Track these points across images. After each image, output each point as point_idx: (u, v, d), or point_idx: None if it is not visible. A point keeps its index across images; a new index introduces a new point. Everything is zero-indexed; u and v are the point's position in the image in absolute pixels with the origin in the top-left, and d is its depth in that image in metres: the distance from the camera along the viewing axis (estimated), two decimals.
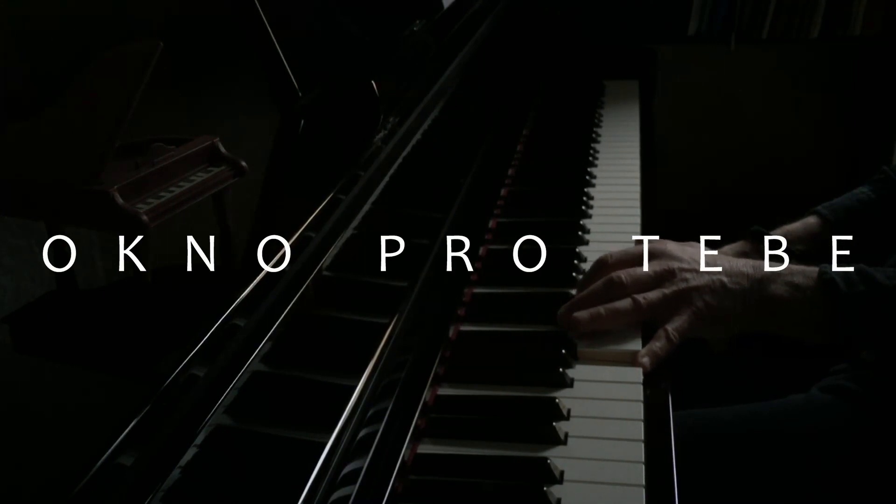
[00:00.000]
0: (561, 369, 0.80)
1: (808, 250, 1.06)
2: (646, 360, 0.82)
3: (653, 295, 0.86)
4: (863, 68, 2.21)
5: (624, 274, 0.88)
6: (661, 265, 0.88)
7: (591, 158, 1.33)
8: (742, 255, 1.06)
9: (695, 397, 0.95)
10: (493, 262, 1.03)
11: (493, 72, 1.50)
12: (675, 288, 0.86)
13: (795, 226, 1.10)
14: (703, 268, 0.87)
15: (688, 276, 0.86)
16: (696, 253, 0.90)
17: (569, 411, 0.76)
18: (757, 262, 0.88)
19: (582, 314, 0.86)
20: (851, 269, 0.84)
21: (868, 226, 1.09)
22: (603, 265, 0.92)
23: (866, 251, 1.04)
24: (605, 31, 2.03)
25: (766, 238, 1.05)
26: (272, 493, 0.58)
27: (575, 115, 1.57)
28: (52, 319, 0.54)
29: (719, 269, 0.87)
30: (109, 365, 0.51)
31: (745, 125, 2.25)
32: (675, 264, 0.88)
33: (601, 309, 0.86)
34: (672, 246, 0.91)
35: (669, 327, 0.84)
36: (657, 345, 0.83)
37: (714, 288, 0.85)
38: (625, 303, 0.86)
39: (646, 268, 0.89)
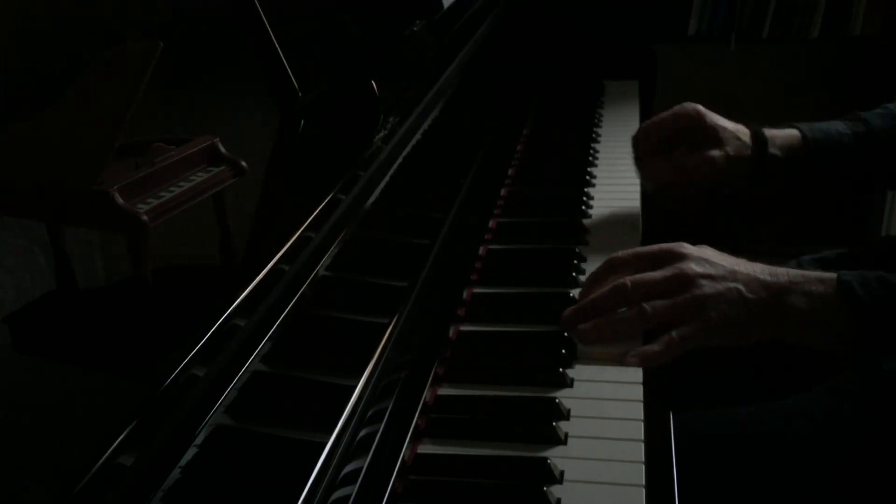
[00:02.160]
0: (561, 369, 0.80)
1: (784, 158, 1.09)
2: (633, 359, 0.80)
3: (661, 303, 0.83)
4: (863, 68, 2.21)
5: (630, 280, 0.85)
6: (673, 270, 0.84)
7: (591, 158, 1.34)
8: (733, 124, 1.11)
9: (695, 397, 0.95)
10: (493, 262, 1.03)
11: (493, 72, 1.50)
12: (687, 295, 0.82)
13: (777, 132, 1.12)
14: (718, 273, 0.84)
15: (703, 282, 0.83)
16: (715, 256, 0.86)
17: (569, 411, 0.76)
18: (774, 270, 0.85)
19: (586, 327, 0.84)
20: (870, 275, 0.82)
21: (841, 163, 1.11)
22: (612, 266, 0.89)
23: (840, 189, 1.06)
24: (605, 30, 2.03)
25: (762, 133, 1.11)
26: (272, 493, 0.58)
27: (575, 115, 1.57)
28: (52, 319, 0.54)
29: (736, 276, 0.84)
30: (109, 365, 0.51)
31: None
32: (690, 269, 0.84)
33: (605, 321, 0.84)
34: (688, 248, 0.87)
35: (674, 333, 0.81)
36: (653, 347, 0.81)
37: (730, 297, 0.82)
38: (630, 313, 0.83)
39: (657, 271, 0.85)
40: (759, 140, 1.10)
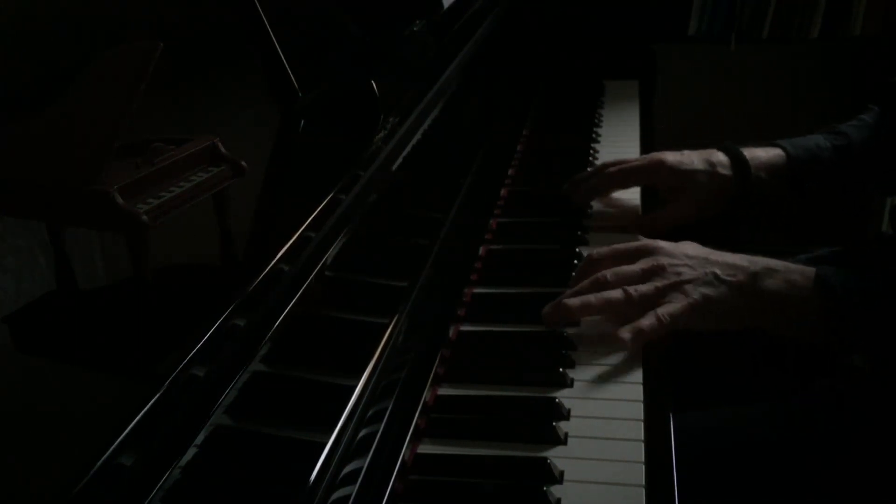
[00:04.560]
0: (561, 369, 0.80)
1: (769, 180, 1.08)
2: (626, 334, 0.80)
3: (645, 287, 0.85)
4: (863, 68, 2.21)
5: (609, 273, 0.87)
6: (649, 262, 0.87)
7: (590, 159, 1.34)
8: (705, 161, 1.08)
9: (695, 397, 0.95)
10: (493, 262, 1.03)
11: (493, 72, 1.50)
12: (667, 281, 0.85)
13: (760, 153, 1.10)
14: (692, 262, 0.86)
15: (680, 269, 0.85)
16: (690, 249, 0.89)
17: (569, 411, 0.76)
18: (753, 258, 0.87)
19: (573, 301, 0.85)
20: (850, 272, 0.83)
21: (823, 178, 1.10)
22: (591, 262, 0.91)
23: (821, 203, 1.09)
24: (605, 30, 2.03)
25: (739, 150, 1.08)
26: (272, 493, 0.58)
27: (575, 115, 1.57)
28: (53, 319, 0.54)
29: (711, 262, 0.86)
30: (109, 365, 0.51)
31: (744, 125, 2.25)
32: (666, 260, 0.86)
33: (592, 297, 0.85)
34: (664, 244, 0.90)
35: (661, 310, 0.82)
36: (645, 322, 0.81)
37: (708, 280, 0.84)
38: (616, 293, 0.85)
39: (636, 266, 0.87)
40: (739, 165, 1.09)
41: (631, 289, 0.84)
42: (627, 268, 0.87)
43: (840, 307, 0.82)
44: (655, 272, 0.86)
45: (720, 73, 2.25)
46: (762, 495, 0.87)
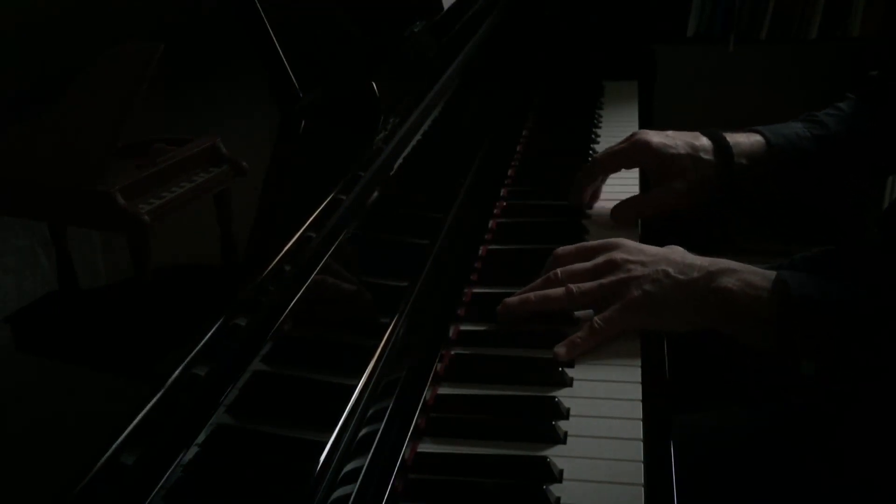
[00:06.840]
0: (561, 368, 0.80)
1: (751, 167, 1.07)
2: (561, 349, 0.81)
3: (587, 285, 0.85)
4: (861, 69, 2.21)
5: (561, 270, 0.88)
6: (603, 258, 0.87)
7: (589, 159, 1.33)
8: (689, 145, 1.07)
9: (694, 397, 0.95)
10: (493, 262, 1.03)
11: (493, 72, 1.50)
12: (613, 278, 0.85)
13: (741, 139, 1.09)
14: (647, 259, 0.85)
15: (630, 266, 0.85)
16: (653, 249, 0.88)
17: (568, 410, 0.76)
18: (718, 260, 0.86)
19: (511, 299, 0.86)
20: (809, 277, 0.82)
21: (803, 167, 1.09)
22: (556, 259, 0.92)
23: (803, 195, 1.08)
24: (605, 31, 2.03)
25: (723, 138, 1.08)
26: (272, 493, 0.58)
27: (574, 115, 1.57)
28: (54, 319, 0.54)
29: (668, 261, 0.85)
30: (110, 365, 0.51)
31: (743, 125, 2.25)
32: (620, 256, 0.86)
33: (531, 295, 0.86)
34: (628, 241, 0.90)
35: (596, 317, 0.83)
36: (578, 335, 0.82)
37: (656, 277, 0.83)
38: (557, 290, 0.86)
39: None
40: (723, 151, 1.07)
41: (573, 286, 0.85)
42: (579, 266, 0.88)
43: (793, 311, 0.79)
44: (606, 269, 0.86)
45: (719, 73, 2.25)
46: (761, 495, 0.87)
